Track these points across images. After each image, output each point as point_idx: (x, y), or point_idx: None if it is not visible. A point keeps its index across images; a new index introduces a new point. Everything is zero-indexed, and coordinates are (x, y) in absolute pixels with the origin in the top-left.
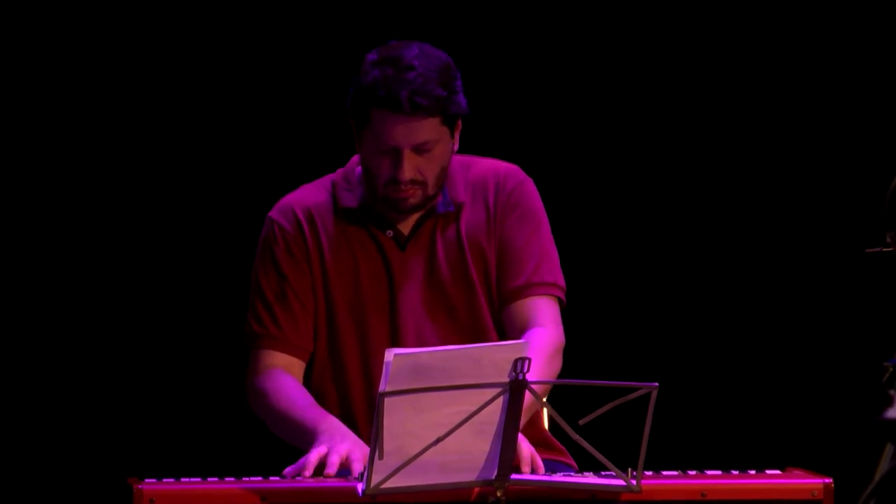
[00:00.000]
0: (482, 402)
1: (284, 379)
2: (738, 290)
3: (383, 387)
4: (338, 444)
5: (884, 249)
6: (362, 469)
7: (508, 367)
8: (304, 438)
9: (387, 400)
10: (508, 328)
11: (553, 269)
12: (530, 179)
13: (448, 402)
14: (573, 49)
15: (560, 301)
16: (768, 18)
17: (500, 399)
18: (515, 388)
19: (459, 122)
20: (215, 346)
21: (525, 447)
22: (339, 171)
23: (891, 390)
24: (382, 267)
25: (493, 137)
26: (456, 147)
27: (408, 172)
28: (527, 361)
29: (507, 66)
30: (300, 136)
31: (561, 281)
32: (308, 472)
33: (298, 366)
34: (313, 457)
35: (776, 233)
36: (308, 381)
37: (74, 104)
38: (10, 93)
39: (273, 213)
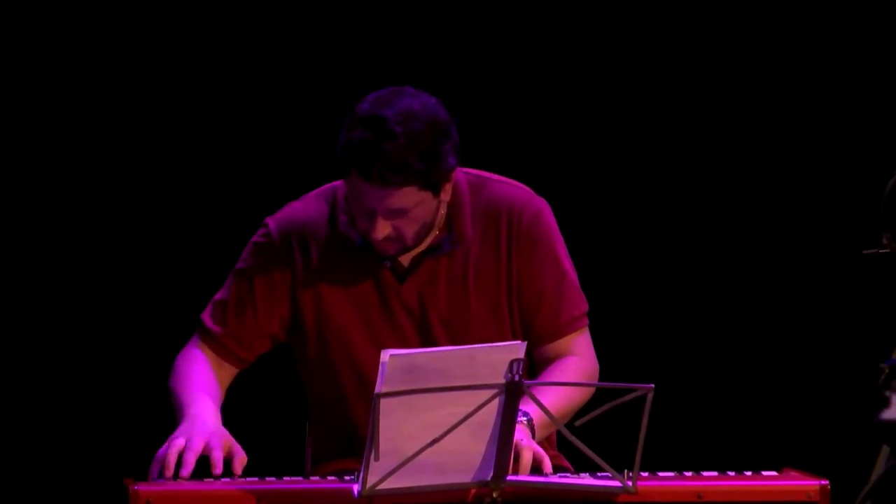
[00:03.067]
0: (478, 404)
1: (199, 363)
2: (735, 292)
3: (379, 388)
4: (195, 441)
5: (880, 251)
6: (221, 460)
7: (504, 367)
8: (177, 416)
9: (383, 401)
10: (542, 364)
11: (578, 299)
12: (544, 205)
13: (444, 403)
14: (561, 52)
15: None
16: (768, 19)
17: (496, 400)
18: (511, 389)
19: (451, 174)
20: None
21: (526, 455)
22: (343, 184)
23: (887, 392)
24: (377, 298)
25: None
26: (447, 197)
27: (380, 233)
28: (522, 362)
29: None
30: (304, 137)
31: (585, 305)
32: (168, 473)
33: (227, 368)
34: (172, 453)
35: (772, 234)
36: (311, 393)
37: (86, 107)
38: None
39: (270, 221)
